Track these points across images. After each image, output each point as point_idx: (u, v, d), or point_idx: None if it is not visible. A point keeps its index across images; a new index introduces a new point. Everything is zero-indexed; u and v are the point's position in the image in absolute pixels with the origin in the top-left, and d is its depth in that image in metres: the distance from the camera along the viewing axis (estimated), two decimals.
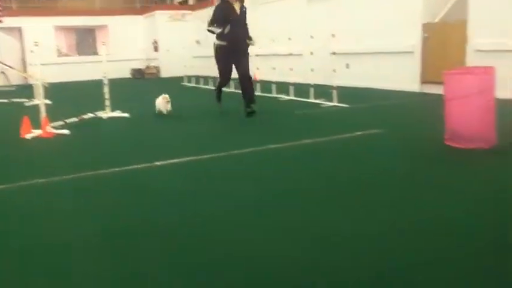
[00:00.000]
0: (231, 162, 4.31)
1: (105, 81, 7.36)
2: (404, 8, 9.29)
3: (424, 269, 2.08)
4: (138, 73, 19.22)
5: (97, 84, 8.38)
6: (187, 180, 3.78)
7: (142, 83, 16.68)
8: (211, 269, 2.18)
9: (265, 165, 4.18)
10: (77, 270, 2.24)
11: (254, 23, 7.05)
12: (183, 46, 14.93)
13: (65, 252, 2.45)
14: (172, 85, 13.90)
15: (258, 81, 9.54)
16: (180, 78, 14.96)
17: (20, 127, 5.86)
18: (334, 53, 8.49)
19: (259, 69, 9.92)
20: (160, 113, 7.26)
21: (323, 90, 8.31)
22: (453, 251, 2.28)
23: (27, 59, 17.28)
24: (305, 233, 2.57)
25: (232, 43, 6.69)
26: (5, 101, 10.65)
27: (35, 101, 8.64)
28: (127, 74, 19.03)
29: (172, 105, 7.34)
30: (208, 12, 13.44)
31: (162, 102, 7.23)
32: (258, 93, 7.58)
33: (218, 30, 6.74)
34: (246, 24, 6.93)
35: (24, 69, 16.59)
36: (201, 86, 13.15)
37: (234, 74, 6.95)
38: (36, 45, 9.22)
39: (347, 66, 10.47)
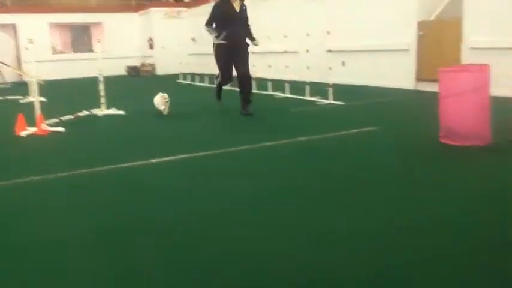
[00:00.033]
0: (227, 160, 4.31)
1: (101, 79, 7.33)
2: (399, 5, 9.30)
3: (421, 267, 2.09)
4: (133, 70, 19.16)
5: (92, 81, 8.35)
6: (183, 178, 3.77)
7: (138, 80, 16.64)
8: (207, 266, 2.17)
9: (261, 162, 4.18)
10: (72, 268, 2.23)
11: (252, 21, 6.98)
12: (179, 43, 14.91)
13: (60, 250, 2.44)
14: (168, 82, 13.88)
15: (253, 79, 9.52)
16: (176, 76, 14.93)
17: (14, 124, 5.83)
18: (330, 51, 8.51)
19: (255, 66, 9.90)
20: (160, 113, 7.11)
21: (319, 88, 8.32)
22: (449, 248, 2.29)
23: (21, 56, 17.20)
24: (301, 230, 2.57)
25: (232, 42, 6.58)
26: (0, 98, 10.60)
27: (30, 99, 8.61)
28: (122, 72, 18.98)
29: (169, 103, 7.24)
30: (204, 10, 13.40)
31: (161, 102, 7.09)
32: (253, 90, 7.54)
33: (213, 35, 6.68)
34: (247, 23, 6.83)
35: (19, 67, 16.50)
36: (197, 83, 13.13)
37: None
38: (31, 43, 9.18)
39: (343, 63, 10.48)
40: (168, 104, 7.04)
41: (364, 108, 7.23)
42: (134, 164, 4.15)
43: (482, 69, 4.35)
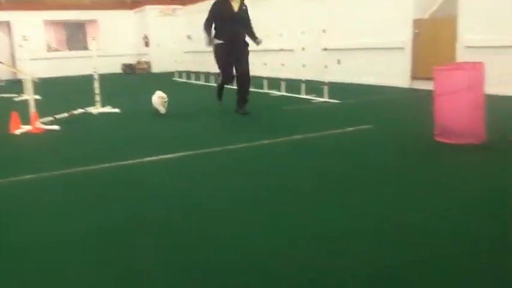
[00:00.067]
0: (225, 158, 4.31)
1: (96, 77, 7.30)
2: (395, 4, 9.32)
3: (419, 267, 2.10)
4: (128, 68, 19.10)
5: (87, 79, 8.32)
6: (180, 176, 3.77)
7: (133, 78, 16.59)
8: (207, 266, 2.18)
9: (258, 160, 4.19)
10: (72, 268, 2.23)
11: (252, 20, 6.93)
12: (174, 41, 14.86)
13: (60, 249, 2.44)
14: (163, 80, 13.85)
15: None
16: (171, 74, 14.90)
17: (9, 123, 5.81)
18: (325, 49, 8.51)
19: (254, 64, 9.88)
20: (157, 111, 7.06)
21: (314, 86, 8.33)
22: (448, 248, 2.30)
23: (16, 53, 17.11)
24: (300, 230, 2.57)
25: (231, 41, 6.51)
26: None
27: (25, 96, 8.56)
28: (118, 69, 18.90)
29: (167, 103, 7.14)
30: (199, 7, 13.39)
31: (159, 102, 7.00)
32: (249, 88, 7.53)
33: (206, 41, 6.64)
34: (249, 23, 6.76)
35: (13, 64, 16.42)
36: (192, 81, 13.12)
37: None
38: (25, 40, 9.13)
39: (338, 62, 10.50)
40: (166, 104, 7.00)
41: (359, 107, 7.25)
42: (130, 162, 4.15)
43: (477, 68, 4.37)
